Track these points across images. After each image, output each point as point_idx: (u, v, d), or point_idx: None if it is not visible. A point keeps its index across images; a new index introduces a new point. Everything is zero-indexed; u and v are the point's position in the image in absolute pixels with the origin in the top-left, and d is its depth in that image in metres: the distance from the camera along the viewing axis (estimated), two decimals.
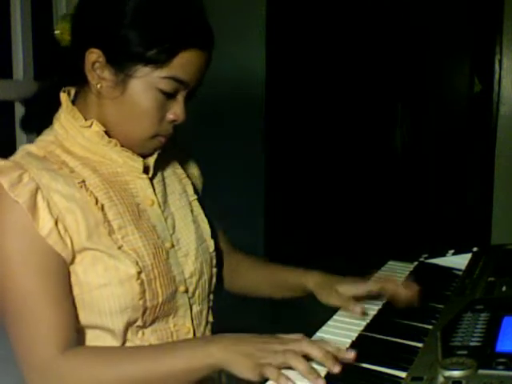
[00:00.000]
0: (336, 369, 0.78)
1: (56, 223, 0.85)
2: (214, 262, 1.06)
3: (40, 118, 0.98)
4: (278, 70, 3.37)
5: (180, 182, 1.07)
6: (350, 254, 3.32)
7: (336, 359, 0.79)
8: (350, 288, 1.06)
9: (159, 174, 1.01)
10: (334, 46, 3.46)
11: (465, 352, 0.77)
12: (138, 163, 0.95)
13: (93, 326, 0.91)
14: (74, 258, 0.88)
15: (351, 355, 0.80)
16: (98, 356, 0.86)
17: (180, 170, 1.08)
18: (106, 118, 0.93)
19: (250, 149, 3.28)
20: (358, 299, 1.05)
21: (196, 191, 1.09)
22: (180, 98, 0.92)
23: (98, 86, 0.90)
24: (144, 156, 0.97)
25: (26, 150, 0.92)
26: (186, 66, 0.89)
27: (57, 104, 0.96)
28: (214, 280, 1.06)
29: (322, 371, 0.78)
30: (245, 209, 3.35)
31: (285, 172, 3.53)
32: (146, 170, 0.97)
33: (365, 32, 3.43)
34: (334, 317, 1.01)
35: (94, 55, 0.89)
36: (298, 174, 3.56)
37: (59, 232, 0.85)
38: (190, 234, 1.02)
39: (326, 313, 1.02)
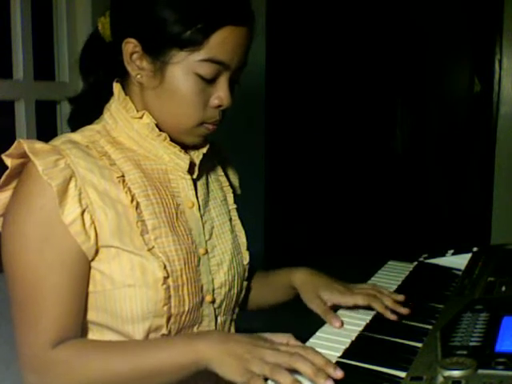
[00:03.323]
0: None
1: (82, 213, 0.83)
2: (246, 275, 1.04)
3: (86, 115, 0.97)
4: (278, 70, 3.37)
5: (221, 190, 1.05)
6: (350, 253, 3.32)
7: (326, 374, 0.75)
8: (334, 297, 1.02)
9: (204, 177, 1.00)
10: (335, 46, 3.46)
11: (464, 352, 0.77)
12: (184, 161, 0.93)
13: (109, 328, 0.88)
14: (97, 252, 0.85)
15: (338, 375, 0.76)
16: (88, 350, 0.84)
17: (223, 178, 1.08)
18: (150, 109, 0.91)
19: (250, 148, 3.28)
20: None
21: (236, 201, 1.08)
22: (222, 80, 0.89)
23: (138, 76, 0.89)
24: (195, 147, 0.95)
25: (68, 137, 0.90)
26: (224, 46, 0.86)
27: (103, 99, 0.96)
28: (243, 293, 1.04)
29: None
30: (244, 209, 3.35)
31: (285, 171, 3.53)
32: (190, 170, 0.95)
33: (365, 32, 3.43)
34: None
35: (130, 45, 0.87)
36: (298, 173, 3.56)
37: (84, 223, 0.83)
38: (227, 244, 0.99)
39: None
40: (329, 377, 0.75)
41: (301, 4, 3.47)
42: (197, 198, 0.96)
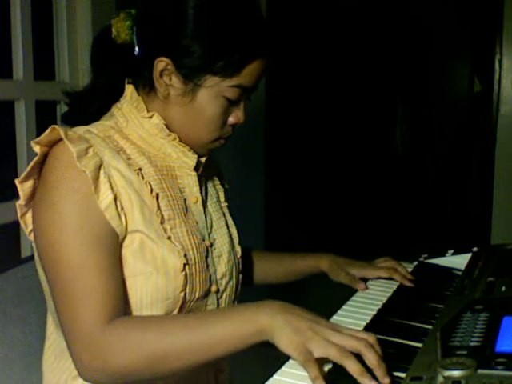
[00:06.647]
0: (386, 380, 0.72)
1: (115, 199, 0.86)
2: (240, 267, 1.07)
3: (88, 112, 0.99)
4: (278, 70, 3.37)
5: (214, 187, 1.10)
6: (350, 253, 3.31)
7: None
8: (360, 271, 1.20)
9: (203, 175, 1.04)
10: (335, 46, 3.46)
11: (464, 352, 0.77)
12: (192, 160, 0.97)
13: (127, 312, 0.89)
14: (124, 238, 0.88)
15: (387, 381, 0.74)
16: (147, 325, 0.83)
17: (215, 176, 1.12)
18: (170, 120, 0.95)
19: (250, 148, 3.28)
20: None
21: (227, 198, 1.13)
22: (241, 101, 0.96)
23: (166, 92, 0.92)
24: (199, 155, 0.99)
25: (86, 128, 0.92)
26: (252, 74, 0.92)
27: (109, 98, 0.98)
28: (240, 286, 1.07)
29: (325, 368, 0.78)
30: (245, 209, 3.35)
31: (285, 171, 3.53)
32: (195, 168, 0.99)
33: (365, 32, 3.43)
34: (334, 317, 1.01)
35: (162, 64, 0.90)
36: (298, 173, 3.56)
37: (117, 208, 0.86)
38: (224, 237, 1.04)
39: (326, 313, 1.02)
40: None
41: (300, 3, 3.47)
42: (200, 193, 1.00)
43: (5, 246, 1.79)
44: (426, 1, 3.36)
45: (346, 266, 1.21)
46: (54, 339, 0.97)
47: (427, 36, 3.36)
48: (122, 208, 0.87)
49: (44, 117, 1.89)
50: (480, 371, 0.70)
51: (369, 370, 0.73)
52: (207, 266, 0.96)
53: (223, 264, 1.01)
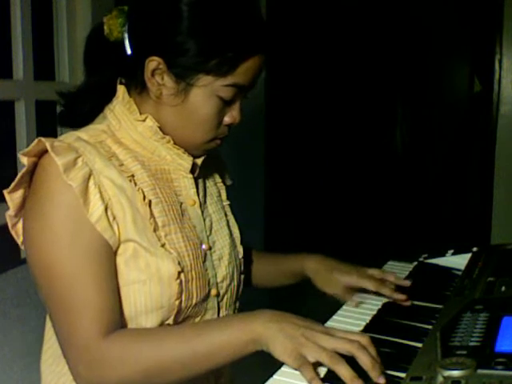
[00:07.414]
0: (381, 380, 0.73)
1: (106, 210, 0.84)
2: (242, 268, 1.06)
3: (82, 113, 0.97)
4: (278, 69, 3.37)
5: (215, 186, 1.08)
6: (350, 253, 3.31)
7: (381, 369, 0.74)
8: (346, 277, 1.09)
9: (201, 175, 1.02)
10: (335, 46, 3.46)
11: (464, 352, 0.77)
12: (187, 162, 0.95)
13: (122, 321, 0.88)
14: (117, 247, 0.86)
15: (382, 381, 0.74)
16: (140, 337, 0.83)
17: (216, 174, 1.10)
18: (163, 121, 0.93)
19: (250, 148, 3.28)
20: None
21: (229, 196, 1.10)
22: (237, 100, 0.93)
23: (158, 92, 0.90)
24: (194, 156, 0.97)
25: (77, 135, 0.90)
26: (248, 72, 0.89)
27: (103, 98, 0.96)
28: (241, 287, 1.06)
29: (322, 371, 0.78)
30: (245, 208, 3.35)
31: (285, 171, 3.53)
32: (191, 170, 0.97)
33: (365, 32, 3.43)
34: (334, 317, 1.01)
35: (154, 63, 0.88)
36: (298, 173, 3.56)
37: (108, 219, 0.84)
38: (225, 238, 1.02)
39: (325, 313, 1.02)
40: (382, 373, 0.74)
41: (301, 3, 3.47)
42: (198, 195, 0.98)
43: (5, 246, 1.79)
44: (426, 1, 3.36)
45: (333, 271, 1.11)
46: (52, 343, 0.96)
47: (427, 36, 3.36)
48: (114, 218, 0.85)
49: (44, 117, 1.89)
50: (480, 371, 0.70)
51: (365, 371, 0.74)
52: (206, 271, 0.94)
53: (224, 266, 0.99)
